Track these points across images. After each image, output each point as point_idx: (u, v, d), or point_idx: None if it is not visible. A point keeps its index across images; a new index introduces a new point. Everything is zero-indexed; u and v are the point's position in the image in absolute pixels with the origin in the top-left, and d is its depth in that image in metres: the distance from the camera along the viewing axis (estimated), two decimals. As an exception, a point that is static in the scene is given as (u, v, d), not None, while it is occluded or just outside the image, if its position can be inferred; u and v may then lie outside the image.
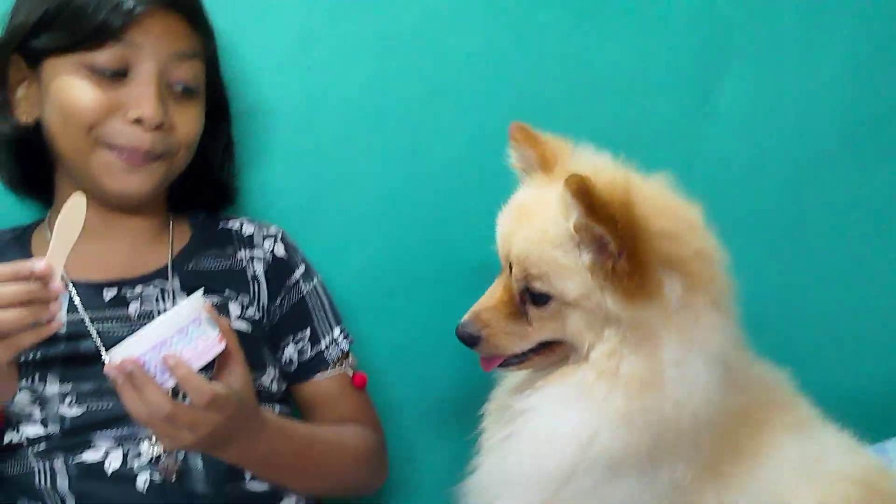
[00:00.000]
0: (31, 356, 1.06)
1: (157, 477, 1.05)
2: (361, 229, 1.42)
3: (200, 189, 1.26)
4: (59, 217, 0.92)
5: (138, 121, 1.07)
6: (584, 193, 0.87)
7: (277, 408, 1.18)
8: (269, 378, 1.18)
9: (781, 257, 1.57)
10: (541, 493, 0.99)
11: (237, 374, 0.97)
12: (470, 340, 1.01)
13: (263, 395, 1.15)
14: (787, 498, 0.97)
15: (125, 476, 1.04)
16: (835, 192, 1.58)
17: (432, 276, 1.44)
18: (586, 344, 0.97)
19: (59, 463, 1.05)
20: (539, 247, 0.95)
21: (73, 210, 0.93)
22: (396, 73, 1.41)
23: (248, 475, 1.10)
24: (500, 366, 1.04)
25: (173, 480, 1.05)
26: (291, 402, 1.26)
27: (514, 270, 0.99)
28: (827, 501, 0.97)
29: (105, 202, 1.14)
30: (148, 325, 0.91)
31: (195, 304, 0.94)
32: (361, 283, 1.39)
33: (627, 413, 0.93)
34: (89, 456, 1.05)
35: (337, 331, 1.26)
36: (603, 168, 0.97)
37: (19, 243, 1.17)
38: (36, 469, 1.05)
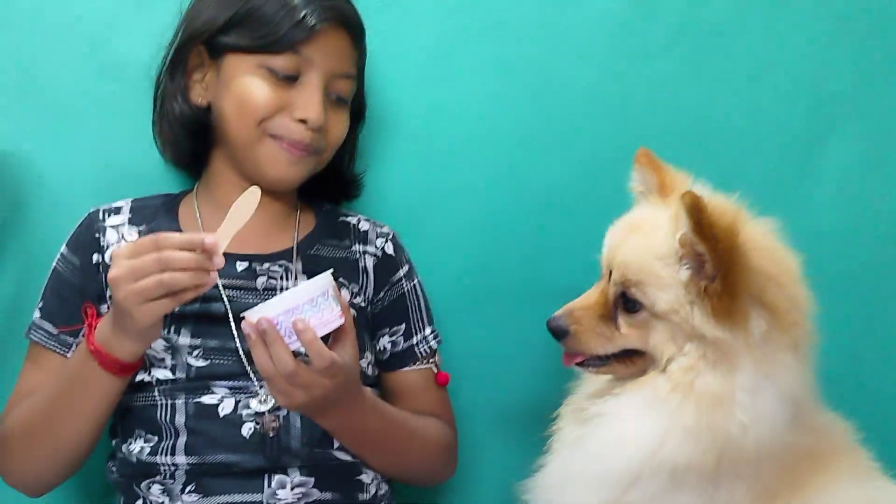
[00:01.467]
0: None
1: (259, 427, 1.14)
2: (462, 238, 1.47)
3: (330, 182, 1.35)
4: (236, 203, 1.03)
5: (303, 121, 1.17)
6: (695, 210, 0.92)
7: (370, 390, 1.26)
8: (366, 362, 1.26)
9: (872, 324, 1.58)
10: (606, 494, 1.02)
11: (349, 348, 1.07)
12: (559, 333, 1.06)
13: (360, 378, 1.24)
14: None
15: (233, 421, 1.14)
16: None
17: (521, 290, 1.48)
18: (666, 356, 1.01)
19: (179, 402, 1.15)
20: (642, 256, 1.01)
21: (249, 200, 1.03)
22: (515, 97, 1.47)
23: (336, 443, 1.19)
24: (580, 364, 1.08)
25: (271, 435, 1.14)
26: (380, 388, 1.33)
27: (613, 276, 1.04)
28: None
29: (254, 184, 1.21)
30: (284, 292, 1.02)
31: (326, 279, 1.03)
32: (455, 287, 1.45)
33: (696, 426, 0.97)
34: (206, 399, 1.15)
35: (428, 330, 1.33)
36: (719, 198, 1.02)
37: (169, 210, 1.27)
38: (159, 404, 1.15)
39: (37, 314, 1.21)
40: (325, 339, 1.04)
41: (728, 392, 0.97)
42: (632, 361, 1.06)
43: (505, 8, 1.46)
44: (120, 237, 1.22)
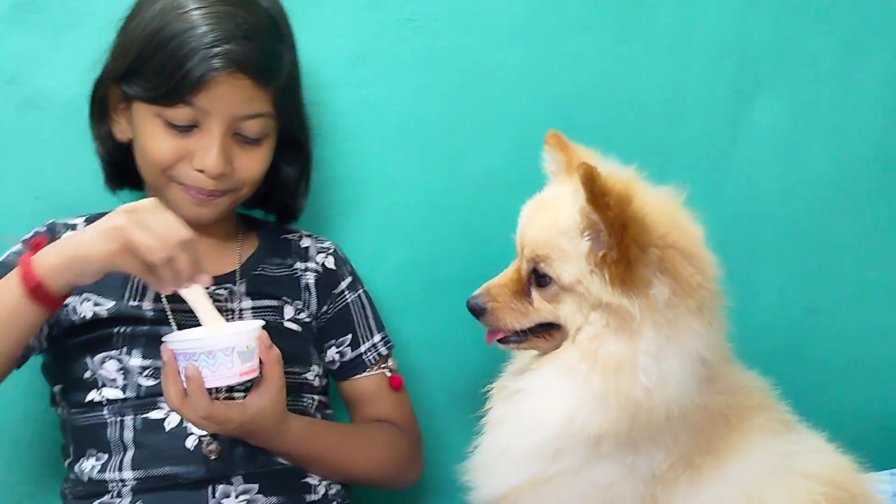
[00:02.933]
0: (122, 330, 1.17)
1: (202, 446, 1.14)
2: (400, 231, 1.49)
3: (271, 205, 1.35)
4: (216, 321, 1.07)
5: (201, 170, 1.15)
6: (588, 179, 0.93)
7: (318, 398, 1.28)
8: (314, 374, 1.27)
9: (809, 280, 1.60)
10: (533, 468, 1.03)
11: (261, 396, 1.08)
12: (477, 311, 1.08)
13: (306, 388, 1.26)
14: (756, 492, 0.99)
15: (178, 434, 1.14)
16: (864, 216, 1.60)
17: (463, 276, 1.43)
18: (575, 327, 1.02)
19: (128, 419, 1.15)
20: (548, 232, 1.02)
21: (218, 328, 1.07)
22: (439, 89, 1.48)
23: None
24: (501, 341, 1.10)
25: (213, 458, 1.14)
26: (330, 392, 1.34)
27: (524, 253, 1.05)
28: (794, 498, 0.99)
29: None
30: (197, 333, 1.06)
31: (239, 335, 1.04)
32: (398, 280, 1.46)
33: (604, 393, 0.98)
34: (154, 414, 1.15)
35: (378, 337, 1.34)
36: (616, 169, 1.03)
37: None
38: (109, 422, 1.15)
39: None
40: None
41: (630, 357, 0.98)
42: (550, 335, 1.07)
43: (420, -1, 1.46)
44: None
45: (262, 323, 1.08)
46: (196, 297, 1.07)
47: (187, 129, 1.14)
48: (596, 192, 0.94)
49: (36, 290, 1.01)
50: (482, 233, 1.51)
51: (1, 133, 1.33)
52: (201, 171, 1.15)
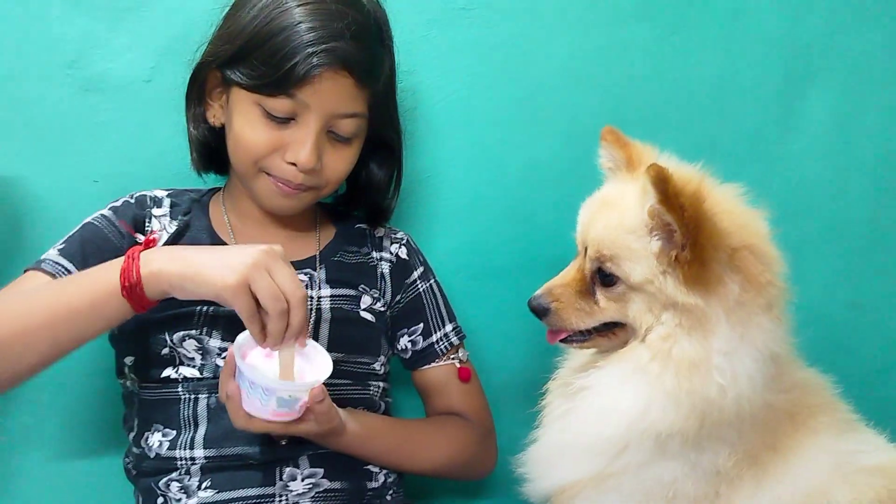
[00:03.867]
0: (204, 309, 1.17)
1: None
2: (449, 220, 1.48)
3: (361, 205, 1.34)
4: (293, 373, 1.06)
5: (293, 163, 1.15)
6: (660, 181, 0.92)
7: (382, 385, 1.29)
8: (379, 363, 1.27)
9: (854, 275, 1.59)
10: (596, 462, 1.03)
11: (308, 424, 1.08)
12: (540, 311, 1.06)
13: (373, 377, 1.26)
14: (821, 489, 0.99)
15: None
16: None
17: (511, 265, 1.49)
18: (644, 327, 1.01)
19: (202, 396, 1.16)
20: (615, 232, 1.01)
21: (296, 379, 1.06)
22: (491, 78, 1.46)
23: None
24: (564, 341, 1.09)
25: (282, 443, 1.15)
26: (391, 379, 1.34)
27: (588, 252, 1.04)
28: (858, 494, 0.99)
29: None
30: (252, 361, 1.05)
31: (284, 385, 1.03)
32: (445, 269, 1.44)
33: (676, 392, 0.97)
34: None
35: (449, 327, 1.34)
36: (684, 168, 1.01)
37: (201, 209, 1.27)
38: (183, 399, 1.16)
39: (53, 252, 1.14)
40: None
41: (704, 356, 0.97)
42: (613, 334, 1.07)
43: (475, -12, 1.44)
44: (162, 227, 1.22)
45: (325, 377, 1.06)
46: (286, 356, 1.05)
47: (284, 121, 1.14)
48: (669, 193, 0.93)
49: (132, 289, 0.99)
50: (530, 222, 1.50)
51: (61, 116, 1.32)
52: (292, 164, 1.15)
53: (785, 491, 1.00)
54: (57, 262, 1.13)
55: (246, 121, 1.15)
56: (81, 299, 1.00)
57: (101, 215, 1.21)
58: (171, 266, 0.99)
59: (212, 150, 1.25)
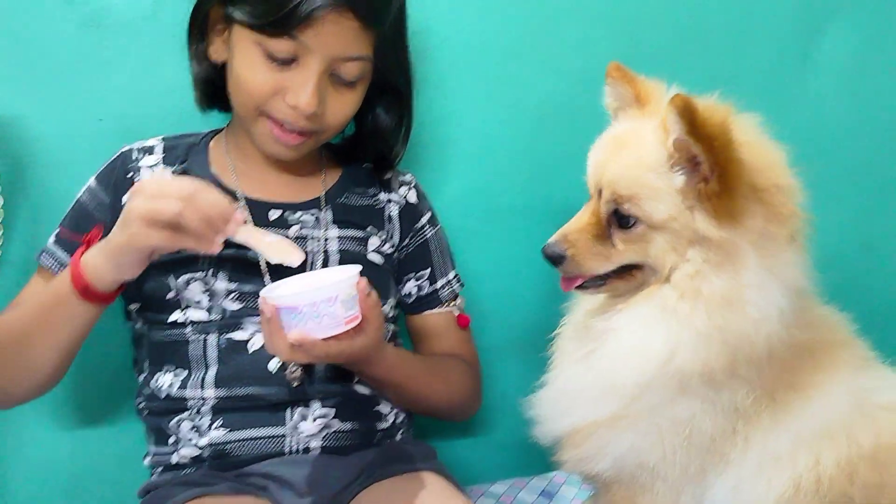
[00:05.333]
0: None
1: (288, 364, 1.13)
2: (458, 161, 1.44)
3: (367, 151, 1.29)
4: (279, 245, 1.04)
5: (294, 107, 1.11)
6: (687, 111, 0.88)
7: (392, 328, 1.27)
8: (389, 306, 1.25)
9: (868, 217, 1.57)
10: (613, 404, 1.01)
11: (366, 336, 1.04)
12: (556, 258, 1.02)
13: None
14: (840, 425, 0.97)
15: (262, 355, 1.12)
16: None
17: (523, 206, 1.46)
18: (668, 266, 0.98)
19: (212, 337, 1.13)
20: (633, 171, 0.97)
21: (290, 255, 1.05)
22: (500, 13, 1.41)
23: (355, 378, 1.18)
24: (579, 287, 1.04)
25: (296, 385, 1.13)
26: (400, 322, 1.32)
27: (604, 194, 0.99)
28: (878, 430, 0.97)
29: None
30: (296, 285, 1.03)
31: (340, 284, 0.99)
32: (456, 211, 1.41)
33: (708, 331, 0.94)
34: (238, 335, 1.14)
35: (452, 274, 1.32)
36: (705, 99, 0.96)
37: (200, 151, 1.22)
38: (192, 340, 1.14)
39: (52, 239, 1.17)
40: None
41: (737, 291, 0.94)
42: (631, 275, 1.03)
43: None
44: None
45: (360, 268, 1.04)
46: (252, 235, 1.02)
47: (286, 62, 1.09)
48: (696, 123, 0.89)
49: (86, 292, 1.03)
50: (543, 162, 1.46)
51: (62, 53, 1.27)
52: (294, 108, 1.10)
53: (804, 427, 0.98)
54: (52, 254, 1.16)
55: (247, 61, 1.10)
56: (56, 314, 1.05)
57: (88, 188, 1.18)
58: (101, 256, 1.02)
59: (215, 88, 1.20)
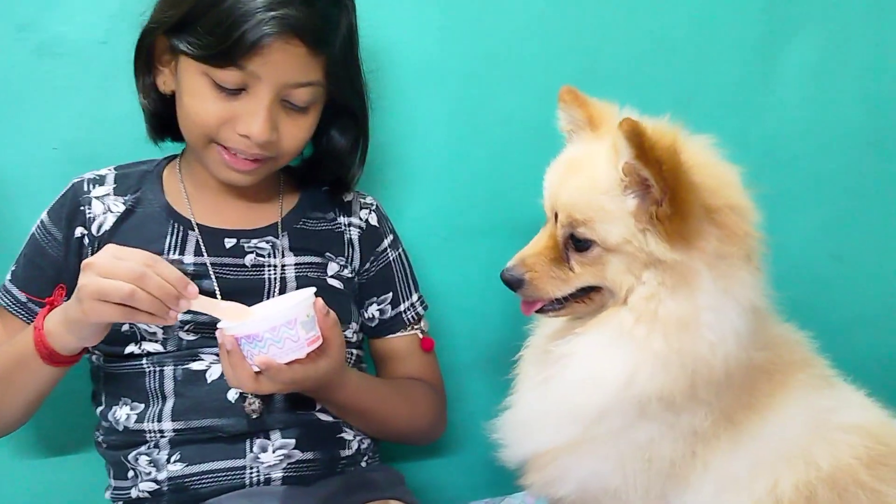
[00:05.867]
0: None
1: (243, 405, 1.12)
2: (420, 180, 1.43)
3: (323, 174, 1.26)
4: (238, 311, 1.02)
5: (246, 136, 1.09)
6: (635, 135, 0.87)
7: (355, 353, 1.25)
8: (352, 331, 1.23)
9: (835, 227, 1.57)
10: (574, 429, 0.99)
11: (328, 358, 1.04)
12: (514, 283, 1.01)
13: (346, 344, 1.20)
14: (799, 447, 0.96)
15: (220, 386, 1.11)
16: (893, 163, 1.56)
17: (485, 225, 1.45)
18: (625, 288, 0.97)
19: (168, 369, 1.12)
20: (587, 194, 0.96)
21: (244, 316, 1.02)
22: (460, 32, 1.40)
23: (318, 405, 1.17)
24: (539, 311, 1.04)
25: (254, 417, 1.11)
26: (364, 347, 1.31)
27: (559, 218, 0.99)
28: (837, 452, 0.96)
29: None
30: (258, 312, 1.02)
31: (297, 306, 0.98)
32: (419, 230, 1.41)
33: (666, 354, 0.94)
34: (195, 365, 1.12)
35: (415, 296, 1.31)
36: (655, 121, 0.96)
37: (154, 179, 1.21)
38: (147, 371, 1.12)
39: (8, 276, 1.16)
40: None
41: (693, 314, 0.93)
42: (589, 299, 1.02)
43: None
44: (106, 208, 1.16)
45: (314, 289, 1.03)
46: (205, 305, 1.00)
47: (234, 92, 1.08)
48: (644, 147, 0.88)
49: (52, 356, 1.04)
50: (504, 180, 1.45)
51: (16, 80, 1.26)
52: (245, 137, 1.09)
53: (762, 450, 0.97)
54: (8, 292, 1.16)
55: (194, 91, 1.08)
56: (22, 375, 1.07)
57: (41, 223, 1.17)
58: (61, 325, 1.02)
59: (165, 118, 1.18)
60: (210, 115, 1.08)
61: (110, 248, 0.96)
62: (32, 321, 1.12)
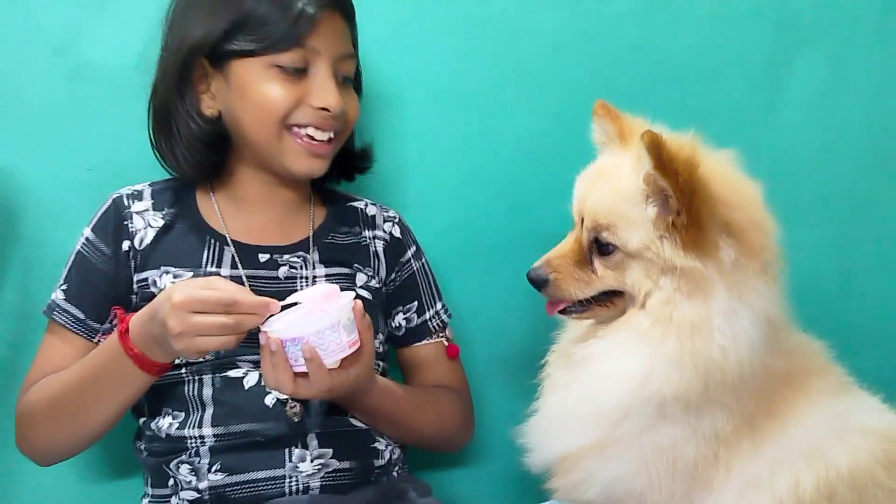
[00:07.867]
0: None
1: (283, 410, 1.15)
2: (441, 197, 1.47)
3: (341, 160, 1.30)
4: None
5: (324, 109, 1.15)
6: (655, 147, 0.91)
7: (382, 365, 1.29)
8: (379, 342, 1.26)
9: (844, 243, 1.59)
10: (597, 431, 1.02)
11: (361, 364, 1.08)
12: (539, 282, 1.06)
13: (375, 356, 1.23)
14: (818, 451, 0.99)
15: (258, 392, 1.15)
16: None
17: (504, 242, 1.48)
18: (643, 292, 1.00)
19: (206, 377, 1.15)
20: (611, 200, 1.00)
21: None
22: (479, 55, 1.45)
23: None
24: (563, 312, 1.08)
25: (296, 420, 1.14)
26: (389, 359, 1.33)
27: (585, 222, 1.03)
28: (854, 453, 0.98)
29: (275, 175, 1.23)
30: (300, 315, 1.02)
31: (341, 310, 1.02)
32: (439, 247, 1.43)
33: (679, 356, 0.97)
34: (232, 373, 1.16)
35: (439, 305, 1.35)
36: (677, 135, 0.99)
37: (188, 198, 1.24)
38: (186, 381, 1.16)
39: (59, 294, 1.18)
40: None
41: (705, 318, 0.96)
42: (612, 303, 1.06)
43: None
44: (146, 223, 1.20)
45: (353, 294, 1.06)
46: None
47: (298, 73, 1.14)
48: (663, 158, 0.92)
49: (161, 370, 1.08)
50: (523, 198, 1.49)
51: (51, 105, 1.30)
52: (323, 109, 1.15)
53: (782, 451, 1.00)
54: (65, 311, 1.17)
55: (262, 84, 1.14)
56: (113, 384, 1.09)
57: (86, 240, 1.19)
58: (143, 334, 1.04)
59: (216, 143, 1.20)
60: (283, 99, 1.14)
61: (186, 285, 1.00)
62: (93, 338, 1.17)
